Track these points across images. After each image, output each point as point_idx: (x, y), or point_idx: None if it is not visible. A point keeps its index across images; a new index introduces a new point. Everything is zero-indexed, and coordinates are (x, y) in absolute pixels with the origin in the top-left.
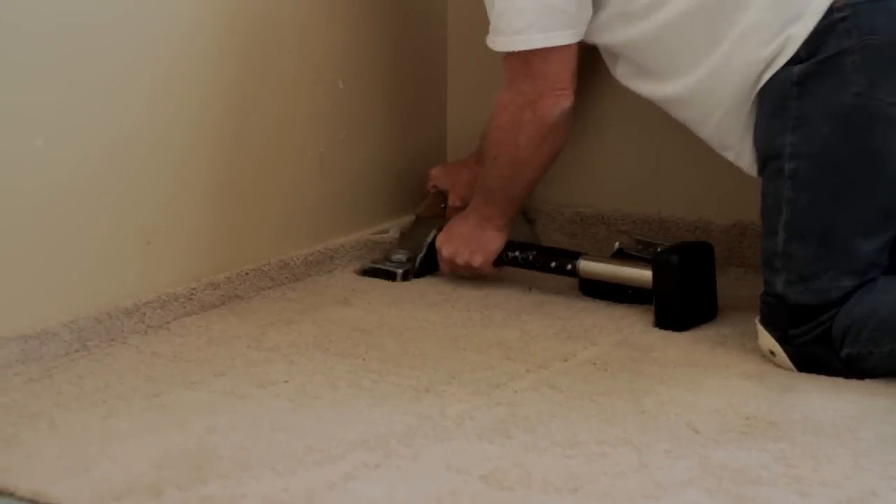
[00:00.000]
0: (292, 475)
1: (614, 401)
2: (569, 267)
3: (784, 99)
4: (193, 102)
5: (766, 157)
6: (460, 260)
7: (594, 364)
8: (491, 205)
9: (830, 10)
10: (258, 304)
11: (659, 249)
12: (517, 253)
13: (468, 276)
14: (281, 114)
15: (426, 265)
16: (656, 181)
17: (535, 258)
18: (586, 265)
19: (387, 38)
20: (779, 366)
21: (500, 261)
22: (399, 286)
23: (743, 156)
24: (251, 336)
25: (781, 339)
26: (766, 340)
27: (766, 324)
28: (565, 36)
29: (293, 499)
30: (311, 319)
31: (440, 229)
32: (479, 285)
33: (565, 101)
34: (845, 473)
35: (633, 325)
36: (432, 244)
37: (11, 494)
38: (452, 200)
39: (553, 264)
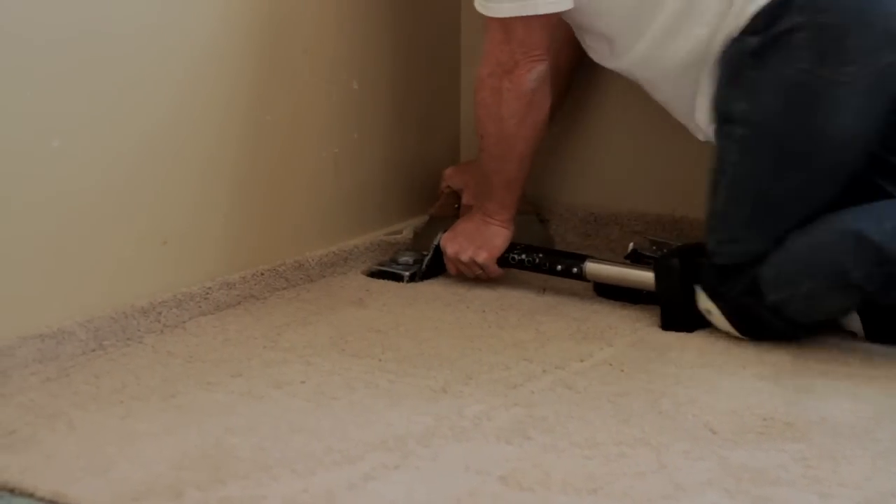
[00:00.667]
0: (312, 476)
1: (631, 401)
2: (575, 270)
3: (741, 67)
4: (209, 103)
5: (720, 119)
6: (465, 257)
7: (610, 365)
8: (489, 197)
9: None
10: (273, 304)
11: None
12: (523, 256)
13: (473, 276)
14: (296, 114)
15: (433, 267)
16: (670, 181)
17: (542, 261)
18: (593, 268)
19: (401, 39)
20: (717, 326)
21: (506, 263)
22: (413, 287)
23: (701, 125)
24: (267, 336)
25: (713, 296)
26: (702, 300)
27: (700, 283)
28: (566, 1)
29: (313, 499)
30: (326, 320)
31: (447, 230)
32: (493, 286)
33: (540, 65)
34: (864, 474)
35: (648, 325)
36: (438, 246)
37: (31, 495)
38: (466, 199)
39: (559, 267)
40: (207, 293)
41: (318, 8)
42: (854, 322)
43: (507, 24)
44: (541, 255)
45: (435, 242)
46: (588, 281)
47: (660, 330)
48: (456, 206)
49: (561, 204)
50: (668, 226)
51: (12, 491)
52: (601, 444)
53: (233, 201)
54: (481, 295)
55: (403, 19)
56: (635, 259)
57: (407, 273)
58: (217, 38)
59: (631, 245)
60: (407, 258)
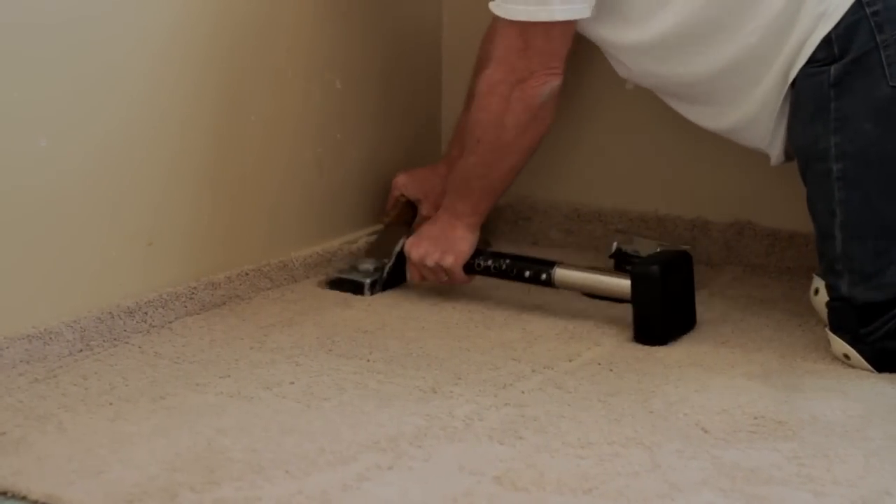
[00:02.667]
0: (306, 477)
1: (622, 401)
2: (544, 276)
3: (822, 101)
4: (193, 104)
5: (809, 159)
6: (430, 261)
7: (599, 364)
8: (464, 199)
9: (860, 5)
10: (258, 304)
11: (659, 250)
12: (489, 262)
13: (438, 283)
14: (279, 114)
15: (395, 275)
16: (654, 179)
17: (509, 266)
18: (562, 274)
19: (383, 40)
20: (854, 367)
21: (472, 269)
22: (397, 287)
23: (774, 146)
24: (253, 337)
25: (854, 341)
26: (839, 346)
27: (836, 329)
28: (584, 9)
29: (308, 501)
30: (312, 321)
31: (408, 237)
32: (477, 287)
33: (555, 80)
34: (858, 473)
35: None
36: (401, 253)
37: (24, 497)
38: (427, 210)
39: (527, 273)
40: (193, 293)
41: (302, 7)
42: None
43: (526, 30)
44: (508, 261)
45: (397, 249)
46: (557, 288)
47: None
48: (411, 216)
49: (543, 200)
50: (652, 224)
51: (5, 494)
52: (594, 444)
53: (217, 201)
54: (466, 295)
55: (386, 19)
56: (619, 258)
57: (367, 281)
58: (201, 38)
59: (614, 244)
60: (367, 265)
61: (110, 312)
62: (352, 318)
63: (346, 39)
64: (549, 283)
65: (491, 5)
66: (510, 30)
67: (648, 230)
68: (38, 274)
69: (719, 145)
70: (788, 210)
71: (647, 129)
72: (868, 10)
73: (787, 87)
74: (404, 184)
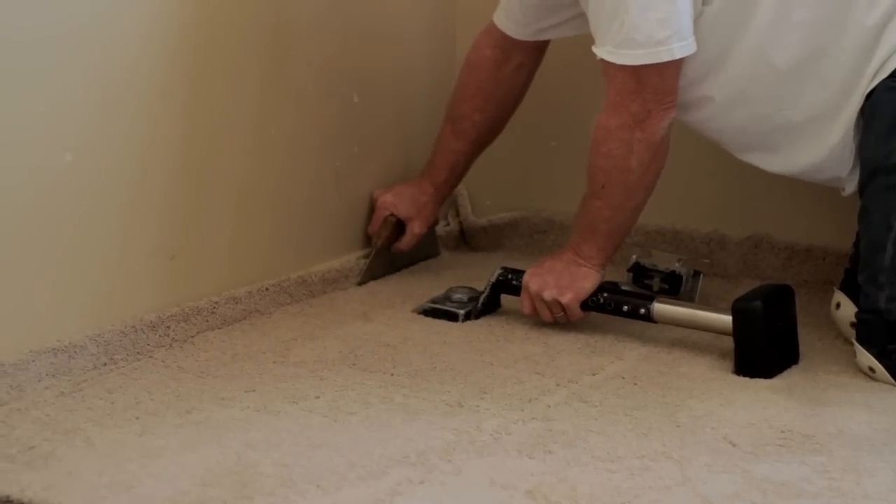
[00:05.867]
0: (337, 491)
1: (648, 415)
2: (642, 311)
3: None
4: (214, 119)
5: (876, 172)
6: (548, 295)
7: (623, 378)
8: (589, 241)
9: None
10: (278, 318)
11: (677, 264)
12: (604, 295)
13: (549, 318)
14: (298, 128)
15: (489, 305)
16: (671, 192)
17: (607, 300)
18: (661, 309)
19: (399, 54)
20: (878, 380)
21: (587, 306)
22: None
23: (854, 172)
24: (276, 351)
25: (881, 355)
26: (865, 358)
27: (864, 341)
28: (693, 44)
29: None
30: (333, 335)
31: (506, 268)
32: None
33: (671, 112)
34: (888, 486)
35: (656, 338)
36: (496, 284)
37: None
38: (419, 228)
39: (626, 308)
40: (214, 308)
41: (322, 21)
42: (848, 311)
43: (640, 73)
44: (607, 295)
45: (492, 280)
46: (656, 322)
47: (667, 343)
48: (399, 236)
49: (560, 213)
50: (669, 237)
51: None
52: (623, 458)
53: (238, 216)
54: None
55: (402, 34)
56: (637, 271)
57: (462, 311)
58: (222, 52)
59: (633, 257)
60: (461, 296)
61: (133, 326)
62: (373, 332)
63: (364, 54)
64: (649, 317)
65: (599, 52)
66: (622, 73)
67: (665, 243)
68: (63, 287)
69: (736, 159)
70: (805, 224)
71: None
72: None
73: (862, 103)
74: (393, 203)
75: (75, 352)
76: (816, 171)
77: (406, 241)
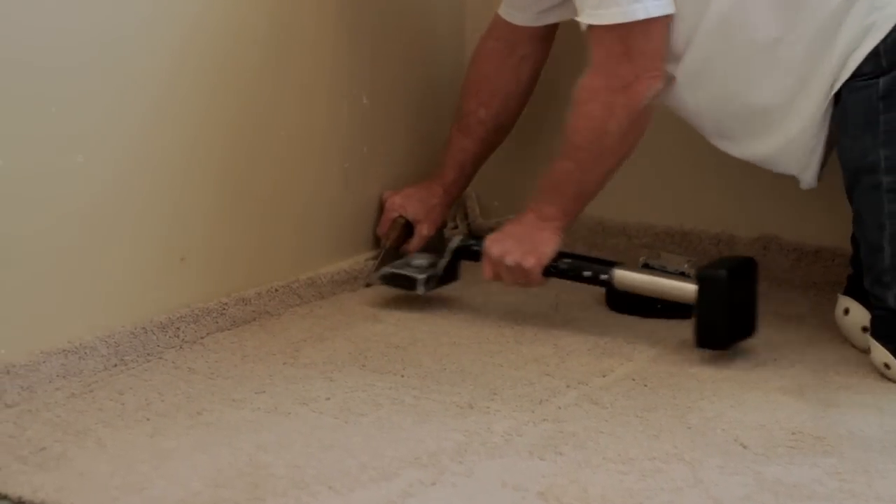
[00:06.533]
0: (350, 493)
1: (659, 416)
2: (603, 276)
3: (871, 113)
4: (224, 120)
5: (858, 173)
6: (510, 260)
7: (633, 380)
8: (554, 203)
9: None
10: (288, 320)
11: (686, 265)
12: (566, 261)
13: (511, 283)
14: (307, 129)
15: (449, 272)
16: (679, 193)
17: (569, 267)
18: (622, 275)
19: (408, 55)
20: (892, 379)
21: (548, 272)
22: (426, 302)
23: (810, 168)
24: (285, 352)
25: None
26: (881, 354)
27: (880, 337)
28: (670, 3)
29: None
30: (342, 336)
31: (466, 235)
32: (508, 302)
33: (658, 82)
34: None
35: (666, 339)
36: (458, 250)
37: None
38: (428, 230)
39: (587, 273)
40: (224, 309)
41: (330, 23)
42: (858, 316)
43: (626, 34)
44: (569, 261)
45: (452, 246)
46: (617, 289)
47: (678, 344)
48: (408, 238)
49: None
50: (677, 238)
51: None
52: (635, 460)
53: (247, 217)
54: (497, 310)
55: (411, 35)
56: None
57: (422, 276)
58: (232, 55)
59: (641, 259)
60: (421, 261)
61: (144, 327)
62: (382, 333)
63: (373, 55)
64: (609, 283)
65: (581, 19)
66: (609, 35)
67: (674, 245)
68: (73, 288)
69: (745, 160)
70: (814, 225)
71: (672, 143)
72: None
73: (827, 104)
74: (402, 204)
75: (86, 353)
76: (772, 162)
77: (414, 243)
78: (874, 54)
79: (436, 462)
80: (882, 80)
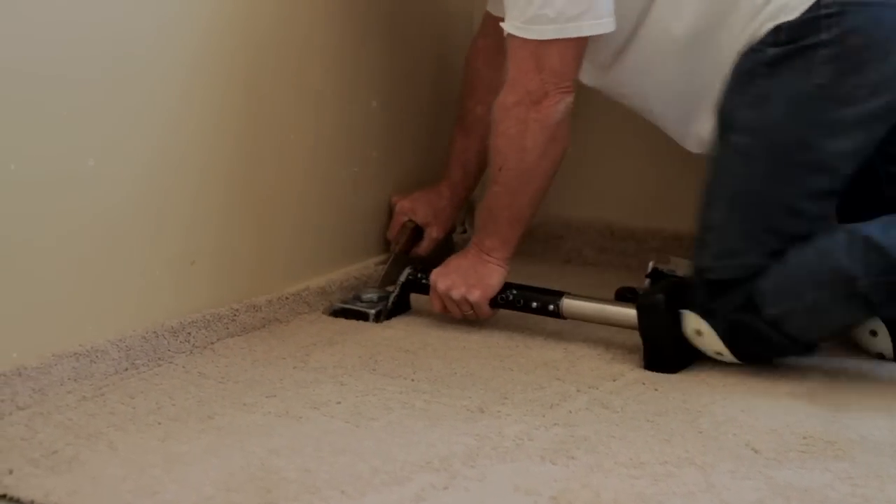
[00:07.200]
0: (362, 497)
1: (670, 421)
2: (551, 307)
3: (752, 76)
4: (234, 124)
5: (722, 127)
6: (456, 294)
7: (643, 384)
8: (492, 233)
9: (818, 4)
10: (297, 325)
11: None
12: (514, 292)
13: (460, 316)
14: (317, 134)
15: (399, 305)
16: (687, 197)
17: (515, 298)
18: (570, 304)
19: (418, 60)
20: (703, 348)
21: (496, 303)
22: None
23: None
24: (296, 357)
25: (705, 315)
26: (691, 320)
27: (689, 304)
28: (610, 23)
29: None
30: (352, 340)
31: (415, 268)
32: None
33: (569, 97)
34: None
35: None
36: (406, 284)
37: None
38: (437, 233)
39: (535, 304)
40: (235, 315)
41: (339, 28)
42: (882, 343)
43: (540, 51)
44: (516, 292)
45: (402, 279)
46: (565, 318)
47: None
48: (418, 241)
49: (577, 218)
50: (686, 242)
51: (4, 496)
52: (647, 464)
53: (257, 222)
54: (505, 316)
55: (421, 40)
56: (655, 277)
57: (372, 311)
58: (243, 61)
59: (651, 264)
60: (371, 295)
61: (155, 332)
62: (392, 338)
63: (382, 60)
64: (558, 314)
65: (506, 27)
66: (523, 51)
67: (682, 249)
68: (85, 292)
69: None
70: None
71: (680, 147)
72: (824, 11)
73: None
74: (411, 208)
75: (97, 356)
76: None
77: (424, 247)
78: (776, 29)
79: (448, 466)
80: (772, 50)
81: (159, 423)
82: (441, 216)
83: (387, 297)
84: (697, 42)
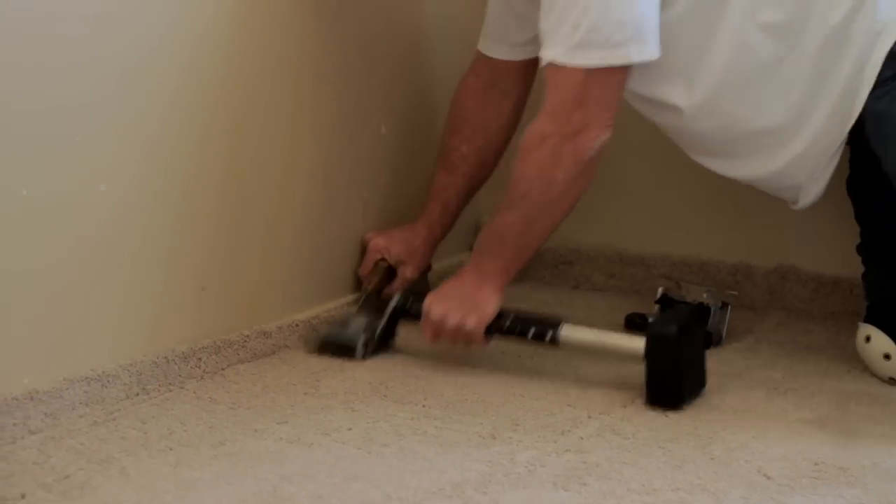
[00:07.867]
0: None
1: (682, 447)
2: (549, 336)
3: None
4: (244, 150)
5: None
6: (451, 322)
7: (654, 410)
8: (496, 257)
9: None
10: (307, 352)
11: (705, 295)
12: (508, 322)
13: (452, 344)
14: (326, 160)
15: (387, 333)
16: (697, 223)
17: (512, 324)
18: (568, 334)
19: (426, 85)
20: (867, 355)
21: (489, 331)
22: None
23: (810, 190)
24: (306, 383)
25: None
26: (872, 334)
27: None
28: (655, 50)
29: None
30: (363, 366)
31: (404, 294)
32: None
33: (607, 134)
34: None
35: None
36: (395, 311)
37: None
38: (411, 273)
39: (532, 333)
40: (245, 341)
41: (348, 53)
42: (894, 367)
43: (584, 79)
44: (514, 319)
45: (391, 306)
46: (561, 347)
47: None
48: (390, 281)
49: (586, 244)
50: (695, 268)
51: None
52: (659, 491)
53: (268, 248)
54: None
55: (430, 65)
56: (665, 303)
57: (359, 342)
58: (255, 87)
59: (660, 289)
60: (358, 324)
61: (166, 357)
62: (402, 364)
63: (392, 86)
64: (555, 341)
65: (550, 54)
66: (567, 80)
67: (691, 275)
68: (97, 316)
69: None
70: (832, 255)
71: (690, 173)
72: None
73: (852, 120)
74: (385, 247)
75: (108, 381)
76: (774, 180)
77: (396, 286)
78: (890, 58)
79: (460, 493)
80: None
81: (171, 449)
82: (416, 256)
83: (374, 327)
84: (764, 77)
